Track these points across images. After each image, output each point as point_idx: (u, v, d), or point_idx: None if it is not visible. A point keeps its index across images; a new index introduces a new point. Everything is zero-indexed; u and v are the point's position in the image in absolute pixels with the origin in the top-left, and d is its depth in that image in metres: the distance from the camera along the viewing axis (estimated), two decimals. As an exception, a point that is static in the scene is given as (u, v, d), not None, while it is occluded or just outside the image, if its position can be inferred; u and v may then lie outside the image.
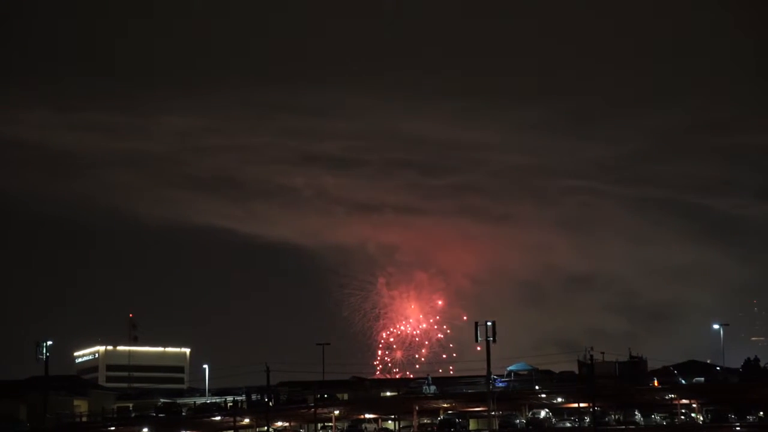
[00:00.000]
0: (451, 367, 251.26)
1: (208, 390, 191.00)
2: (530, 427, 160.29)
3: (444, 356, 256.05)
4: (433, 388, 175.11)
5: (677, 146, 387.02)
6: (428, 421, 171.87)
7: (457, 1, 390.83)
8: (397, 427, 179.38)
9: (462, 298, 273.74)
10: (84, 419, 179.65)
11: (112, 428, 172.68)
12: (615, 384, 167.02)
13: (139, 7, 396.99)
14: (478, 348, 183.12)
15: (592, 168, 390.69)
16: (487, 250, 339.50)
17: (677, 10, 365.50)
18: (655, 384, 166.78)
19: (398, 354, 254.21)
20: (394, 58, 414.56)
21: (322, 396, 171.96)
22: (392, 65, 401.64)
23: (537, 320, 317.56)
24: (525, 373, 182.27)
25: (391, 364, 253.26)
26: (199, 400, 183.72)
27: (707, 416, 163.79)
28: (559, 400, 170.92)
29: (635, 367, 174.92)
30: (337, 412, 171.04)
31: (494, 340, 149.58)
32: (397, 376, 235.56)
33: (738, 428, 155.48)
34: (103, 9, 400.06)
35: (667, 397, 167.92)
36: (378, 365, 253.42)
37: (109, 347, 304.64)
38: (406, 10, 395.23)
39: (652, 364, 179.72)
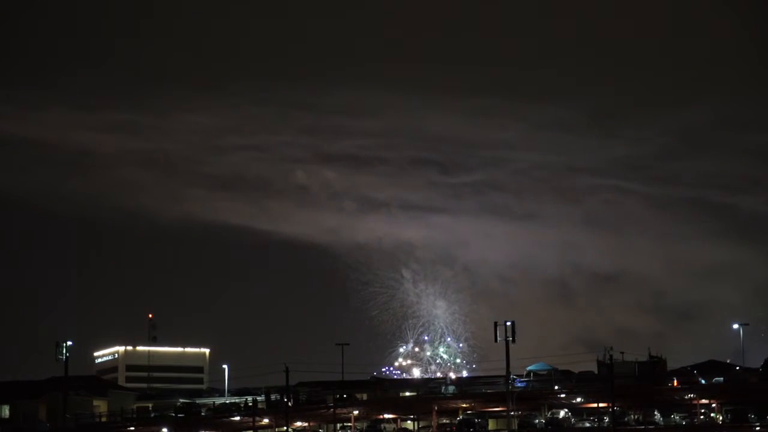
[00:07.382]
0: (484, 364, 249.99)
1: (228, 390, 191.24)
2: (549, 427, 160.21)
3: (478, 355, 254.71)
4: (452, 388, 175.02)
5: (703, 144, 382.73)
6: (447, 421, 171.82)
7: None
8: (416, 427, 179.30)
9: (487, 297, 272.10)
10: (103, 419, 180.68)
11: (132, 428, 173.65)
12: (634, 384, 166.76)
13: (157, 6, 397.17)
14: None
15: (616, 166, 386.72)
16: (511, 249, 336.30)
17: (702, 10, 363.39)
18: (675, 384, 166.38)
19: (425, 353, 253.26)
20: (414, 56, 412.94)
21: (342, 396, 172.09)
22: (411, 63, 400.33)
23: (564, 319, 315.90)
24: (544, 373, 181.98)
25: (418, 363, 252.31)
26: (219, 401, 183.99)
27: (727, 416, 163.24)
28: (579, 400, 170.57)
29: (655, 367, 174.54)
30: (356, 413, 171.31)
31: (513, 340, 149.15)
32: (421, 375, 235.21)
33: (758, 428, 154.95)
34: (121, 7, 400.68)
35: (686, 397, 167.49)
36: (405, 364, 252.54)
37: (129, 347, 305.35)
38: (427, 7, 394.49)
39: (672, 364, 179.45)
